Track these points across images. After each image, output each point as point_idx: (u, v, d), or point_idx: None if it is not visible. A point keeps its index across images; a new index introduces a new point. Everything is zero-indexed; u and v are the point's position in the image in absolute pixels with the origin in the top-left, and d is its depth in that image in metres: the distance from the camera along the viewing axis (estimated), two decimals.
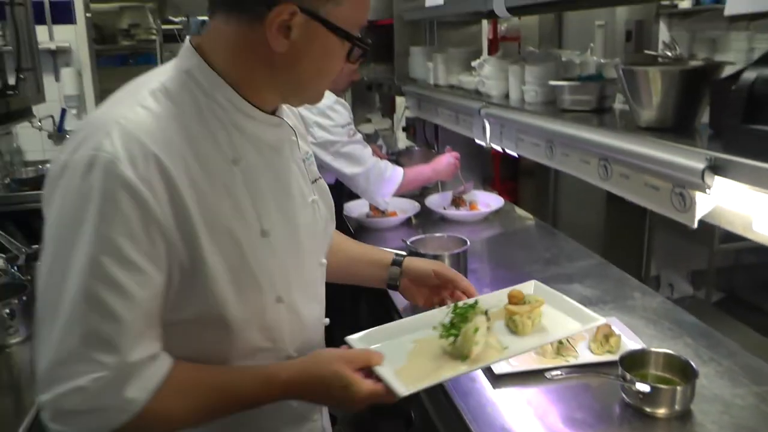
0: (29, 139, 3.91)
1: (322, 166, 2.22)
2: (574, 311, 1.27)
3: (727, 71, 1.30)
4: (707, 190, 1.18)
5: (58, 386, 0.86)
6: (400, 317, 1.47)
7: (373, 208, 2.77)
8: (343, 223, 2.72)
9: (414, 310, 1.55)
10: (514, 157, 2.31)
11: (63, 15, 3.91)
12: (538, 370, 1.42)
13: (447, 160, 2.79)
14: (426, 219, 2.77)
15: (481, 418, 1.33)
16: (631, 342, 1.53)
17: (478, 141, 2.37)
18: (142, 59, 5.89)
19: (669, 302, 1.86)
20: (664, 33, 3.05)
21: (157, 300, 0.92)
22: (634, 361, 1.36)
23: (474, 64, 2.47)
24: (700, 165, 1.16)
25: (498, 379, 1.44)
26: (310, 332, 1.13)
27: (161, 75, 0.99)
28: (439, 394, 1.47)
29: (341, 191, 2.73)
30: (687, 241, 3.28)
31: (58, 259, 0.88)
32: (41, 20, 3.71)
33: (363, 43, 1.00)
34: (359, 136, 2.62)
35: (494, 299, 1.30)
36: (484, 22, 3.58)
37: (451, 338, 1.12)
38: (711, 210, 1.26)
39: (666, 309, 1.79)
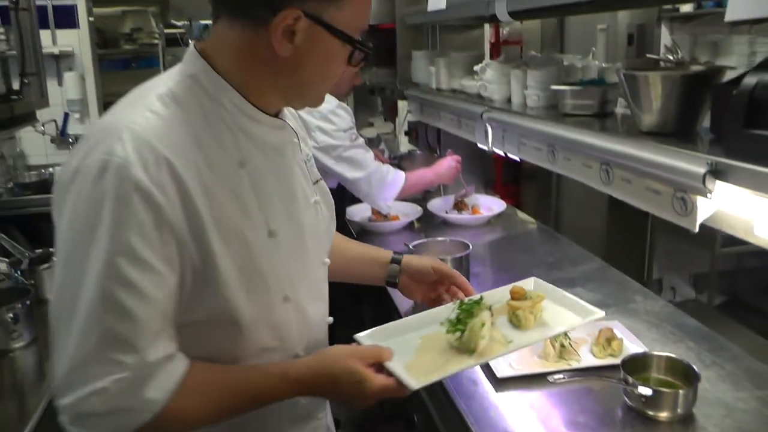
0: (32, 143, 3.92)
1: (325, 171, 2.22)
2: (573, 305, 1.29)
3: (728, 76, 1.31)
4: (708, 195, 1.18)
5: (78, 389, 0.86)
6: (401, 317, 1.48)
7: (376, 212, 2.77)
8: (345, 228, 2.72)
9: (414, 310, 1.55)
10: (516, 161, 2.32)
11: (66, 19, 3.92)
12: (541, 374, 1.43)
13: (449, 163, 2.79)
14: (428, 223, 2.77)
15: (484, 422, 1.33)
16: (633, 345, 1.53)
17: (480, 145, 2.37)
18: (145, 63, 5.89)
19: (671, 306, 1.86)
20: (665, 36, 3.06)
21: (171, 300, 0.92)
22: (636, 365, 1.36)
23: (476, 68, 2.47)
24: (702, 169, 1.17)
25: (501, 383, 1.44)
26: (315, 331, 1.15)
27: (168, 80, 1.00)
28: (441, 397, 1.47)
29: (343, 195, 2.73)
30: (689, 244, 3.29)
31: (72, 264, 0.88)
32: (44, 25, 3.72)
33: (364, 46, 1.01)
34: (361, 140, 2.62)
35: (497, 295, 1.32)
36: (487, 26, 3.59)
37: (458, 333, 1.14)
38: (712, 214, 1.26)
39: (668, 312, 1.79)
